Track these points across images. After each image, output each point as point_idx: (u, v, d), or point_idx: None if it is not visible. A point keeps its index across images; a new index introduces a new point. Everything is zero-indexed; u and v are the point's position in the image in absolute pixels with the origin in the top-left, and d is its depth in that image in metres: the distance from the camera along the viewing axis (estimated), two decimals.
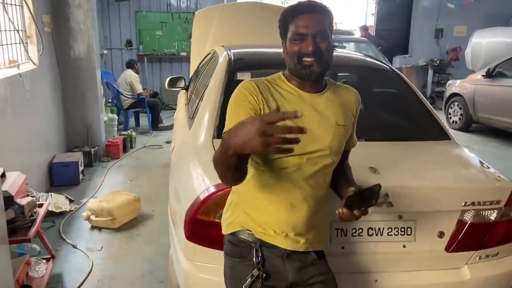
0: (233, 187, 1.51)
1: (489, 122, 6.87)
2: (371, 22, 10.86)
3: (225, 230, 1.49)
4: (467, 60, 8.40)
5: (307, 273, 1.43)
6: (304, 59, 1.33)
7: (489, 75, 6.69)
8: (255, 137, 1.00)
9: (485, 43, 8.02)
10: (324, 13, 1.37)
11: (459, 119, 7.39)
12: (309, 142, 1.35)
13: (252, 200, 1.42)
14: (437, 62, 10.24)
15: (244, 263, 1.42)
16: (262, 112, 1.32)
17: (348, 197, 1.29)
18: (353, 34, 9.38)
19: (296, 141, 1.03)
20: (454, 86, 7.60)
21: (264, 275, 1.39)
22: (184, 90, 4.20)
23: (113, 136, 5.89)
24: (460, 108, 7.35)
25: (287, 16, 1.37)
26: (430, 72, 10.08)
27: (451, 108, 7.61)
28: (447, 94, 7.77)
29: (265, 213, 1.40)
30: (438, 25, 10.45)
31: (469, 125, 7.27)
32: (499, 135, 6.79)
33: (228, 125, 1.32)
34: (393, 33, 10.63)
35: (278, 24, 1.42)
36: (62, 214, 3.71)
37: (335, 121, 1.41)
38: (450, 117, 7.61)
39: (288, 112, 1.03)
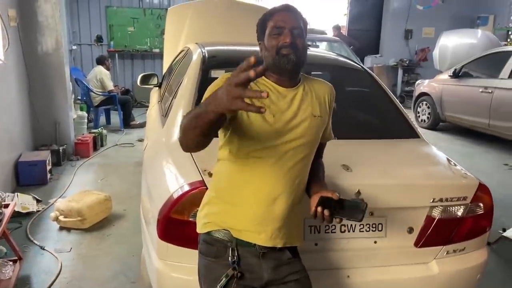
0: (211, 183, 1.52)
1: (456, 121, 7.10)
2: (343, 22, 11.01)
3: (201, 229, 1.49)
4: (435, 60, 8.65)
5: (282, 271, 1.45)
6: (282, 50, 1.39)
7: (456, 75, 6.91)
8: (225, 96, 1.06)
9: (451, 44, 8.28)
10: (299, 14, 1.47)
11: (427, 118, 7.61)
12: (286, 132, 1.40)
13: (232, 194, 1.43)
14: (407, 62, 10.51)
15: (219, 263, 1.42)
16: None
17: (328, 198, 1.36)
18: (326, 34, 9.49)
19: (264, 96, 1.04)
20: (423, 85, 7.82)
21: (239, 274, 1.39)
22: (157, 88, 4.14)
23: (83, 134, 5.75)
24: (428, 107, 7.56)
25: (266, 16, 1.47)
26: (400, 72, 10.34)
27: (420, 107, 7.82)
28: (416, 93, 7.98)
29: (245, 207, 1.40)
30: (407, 26, 10.73)
31: (437, 124, 7.50)
32: (465, 134, 7.04)
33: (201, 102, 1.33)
34: (364, 33, 10.84)
35: (256, 29, 1.50)
36: (29, 214, 3.59)
37: (311, 112, 1.45)
38: (419, 116, 7.82)
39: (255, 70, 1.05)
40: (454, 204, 1.88)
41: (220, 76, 1.42)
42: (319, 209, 1.36)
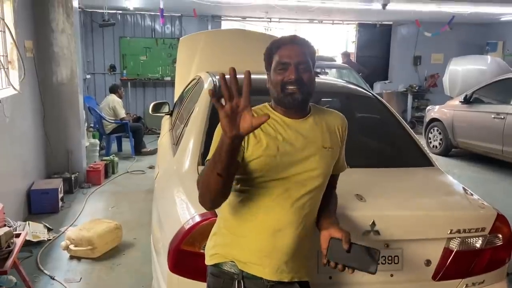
0: (219, 213, 1.49)
1: (468, 147, 7.02)
2: (351, 49, 11.12)
3: (208, 261, 1.46)
4: (445, 86, 8.64)
5: None
6: (287, 87, 1.37)
7: (467, 101, 6.88)
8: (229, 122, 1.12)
9: (461, 70, 8.28)
10: (306, 46, 1.43)
11: (439, 143, 7.54)
12: (295, 164, 1.37)
13: (237, 225, 1.40)
14: (416, 88, 10.52)
15: None
16: (247, 139, 1.34)
17: (338, 241, 1.34)
18: (335, 61, 9.58)
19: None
20: (433, 111, 7.78)
21: None
22: (168, 116, 4.18)
23: (95, 162, 5.79)
24: (440, 133, 7.50)
25: (272, 48, 1.44)
26: (410, 98, 10.32)
27: (431, 133, 7.76)
28: (427, 119, 7.93)
29: (249, 238, 1.38)
30: (416, 53, 10.78)
31: (449, 150, 7.41)
32: (478, 160, 6.93)
33: (211, 150, 1.34)
34: (373, 59, 10.91)
35: (264, 57, 1.47)
36: (40, 243, 3.58)
37: (321, 144, 1.43)
38: (430, 142, 7.75)
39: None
40: (472, 235, 1.83)
41: None
42: (332, 263, 1.35)
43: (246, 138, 1.28)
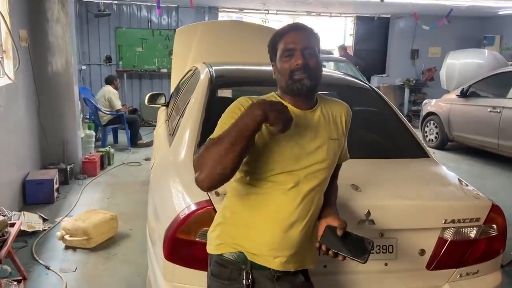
0: (225, 203, 1.48)
1: (464, 141, 7.04)
2: (349, 42, 11.09)
3: (213, 250, 1.45)
4: (442, 80, 8.64)
5: None
6: (295, 73, 1.35)
7: (463, 95, 6.88)
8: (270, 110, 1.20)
9: (458, 64, 8.27)
10: (310, 32, 1.41)
11: (435, 137, 7.55)
12: (305, 157, 1.36)
13: (248, 217, 1.39)
14: (413, 81, 10.51)
15: (233, 286, 1.39)
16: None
17: (334, 228, 1.35)
18: (332, 54, 9.56)
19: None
20: (430, 105, 7.79)
21: None
22: (164, 107, 4.16)
23: (90, 153, 5.77)
24: (436, 127, 7.52)
25: (276, 37, 1.42)
26: (407, 91, 10.33)
27: (427, 126, 7.78)
28: (423, 113, 7.94)
29: (261, 231, 1.37)
30: (413, 46, 10.77)
31: (445, 143, 7.43)
32: (474, 153, 6.96)
33: (216, 132, 1.32)
34: (370, 53, 10.89)
35: (268, 48, 1.45)
36: (35, 233, 3.57)
37: (328, 135, 1.42)
38: (427, 135, 7.77)
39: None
40: (466, 225, 1.84)
41: (237, 101, 1.39)
42: (323, 248, 1.35)
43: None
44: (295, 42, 1.36)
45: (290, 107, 1.39)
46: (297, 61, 1.34)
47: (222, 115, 1.38)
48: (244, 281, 1.37)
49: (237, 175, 1.40)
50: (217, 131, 1.32)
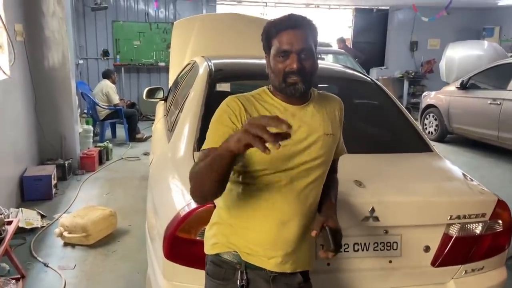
0: (220, 202, 1.44)
1: (464, 133, 7.01)
2: (348, 35, 11.02)
3: (208, 250, 1.42)
4: (441, 72, 8.60)
5: None
6: (289, 76, 1.29)
7: (463, 87, 6.85)
8: (245, 136, 1.02)
9: (458, 56, 8.23)
10: (308, 28, 1.32)
11: (435, 130, 7.53)
12: (298, 154, 1.32)
13: (242, 216, 1.36)
14: (412, 74, 10.48)
15: (227, 286, 1.36)
16: None
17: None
18: (331, 46, 9.49)
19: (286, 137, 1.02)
20: (429, 97, 7.75)
21: None
22: (163, 101, 4.11)
23: (89, 148, 5.72)
24: (436, 119, 7.49)
25: (271, 30, 1.33)
26: (406, 84, 10.29)
27: (427, 119, 7.74)
28: (423, 105, 7.91)
29: (255, 231, 1.34)
30: (412, 38, 10.72)
31: (444, 136, 7.41)
32: (473, 146, 6.94)
33: (206, 143, 1.29)
34: (369, 45, 10.83)
35: (261, 38, 1.37)
36: (33, 230, 3.54)
37: (322, 131, 1.37)
38: (426, 128, 7.74)
39: (280, 121, 1.00)
40: (472, 221, 1.81)
41: (224, 102, 1.33)
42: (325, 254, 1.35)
43: None
44: (291, 44, 1.28)
45: (282, 103, 1.35)
46: (292, 65, 1.28)
47: (212, 120, 1.33)
48: (238, 281, 1.34)
49: (231, 175, 1.36)
50: (206, 142, 1.29)
